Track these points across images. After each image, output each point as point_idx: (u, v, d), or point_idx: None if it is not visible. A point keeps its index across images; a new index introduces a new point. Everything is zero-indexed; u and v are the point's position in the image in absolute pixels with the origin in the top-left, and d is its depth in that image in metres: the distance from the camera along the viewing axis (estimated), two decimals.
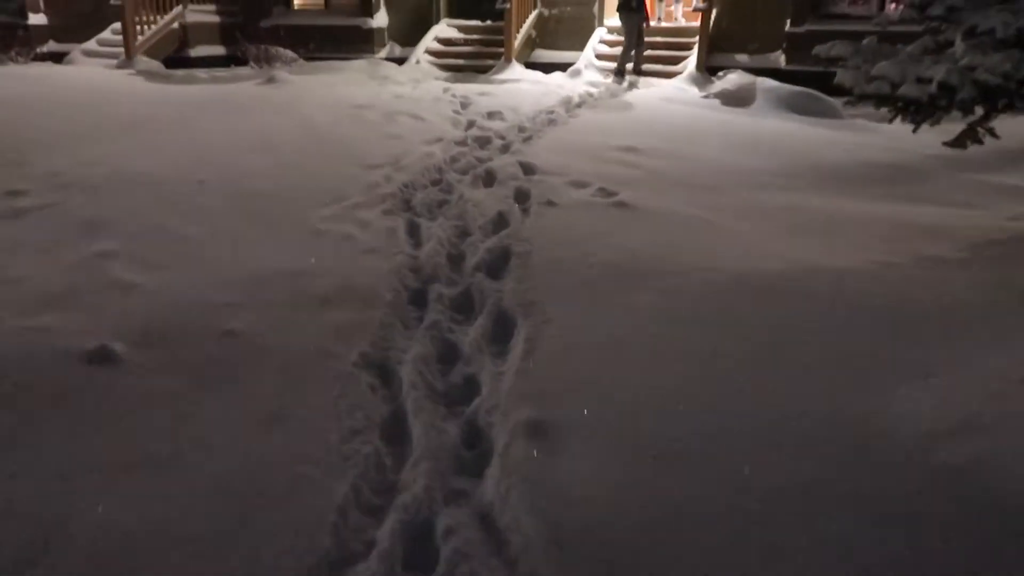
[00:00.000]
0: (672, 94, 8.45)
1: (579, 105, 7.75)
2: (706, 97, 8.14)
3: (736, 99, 7.87)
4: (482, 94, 8.15)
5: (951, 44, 4.01)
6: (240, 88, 8.48)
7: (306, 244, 3.63)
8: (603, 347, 2.60)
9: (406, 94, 8.08)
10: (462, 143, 5.90)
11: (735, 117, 7.26)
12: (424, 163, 5.20)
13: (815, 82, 8.38)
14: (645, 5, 9.30)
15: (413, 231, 3.93)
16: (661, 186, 4.81)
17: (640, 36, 9.29)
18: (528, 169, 5.06)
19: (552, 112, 7.30)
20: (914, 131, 4.41)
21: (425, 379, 2.45)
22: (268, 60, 10.75)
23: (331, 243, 3.67)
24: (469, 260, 3.45)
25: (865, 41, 4.47)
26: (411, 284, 3.21)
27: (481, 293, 3.11)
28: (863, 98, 4.20)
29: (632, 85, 9.13)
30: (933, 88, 3.83)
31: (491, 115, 7.08)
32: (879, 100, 4.21)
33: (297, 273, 3.24)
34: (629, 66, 9.39)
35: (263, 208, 4.21)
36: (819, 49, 4.53)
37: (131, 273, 3.20)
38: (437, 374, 2.53)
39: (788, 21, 9.50)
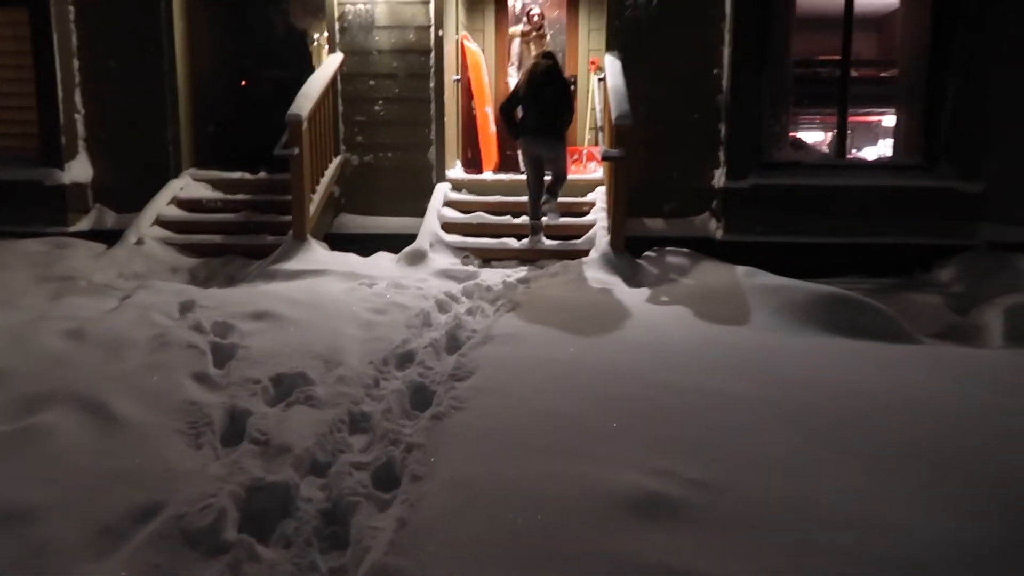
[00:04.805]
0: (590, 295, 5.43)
1: (454, 333, 4.40)
2: (659, 303, 5.18)
3: (707, 304, 4.99)
4: (258, 316, 4.50)
5: None
6: None
7: None
8: None
9: (90, 329, 4.20)
10: (218, 551, 2.25)
11: (745, 350, 4.28)
12: None
13: (762, 258, 5.96)
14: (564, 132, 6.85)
15: None
16: None
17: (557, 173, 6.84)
18: None
19: (416, 362, 3.89)
20: None
21: None
22: None
23: None
24: None
25: None
26: None
27: None
28: None
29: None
30: None
31: (280, 384, 3.50)
32: None
33: None
34: (547, 219, 6.88)
35: None
36: None
37: None
38: None
39: (721, 173, 7.08)
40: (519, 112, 6.77)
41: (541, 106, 6.59)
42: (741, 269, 5.34)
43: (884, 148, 10.13)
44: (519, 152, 8.47)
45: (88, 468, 2.66)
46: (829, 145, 10.00)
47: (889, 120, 9.67)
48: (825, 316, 4.67)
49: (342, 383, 3.55)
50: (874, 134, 10.45)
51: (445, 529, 2.32)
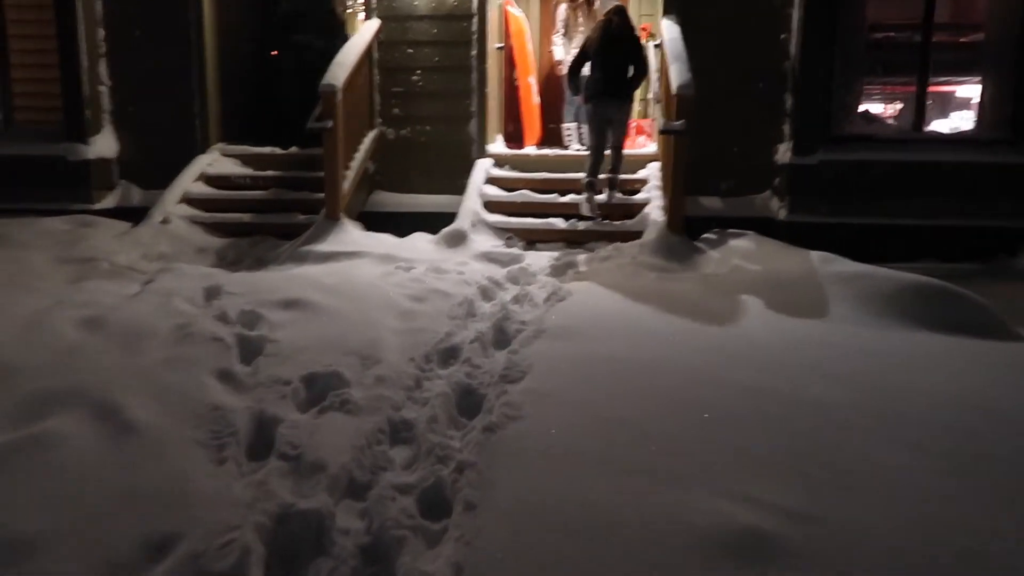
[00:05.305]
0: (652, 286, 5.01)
1: (502, 326, 4.04)
2: (724, 291, 4.75)
3: (779, 293, 4.55)
4: (288, 304, 4.16)
5: None
6: None
7: None
8: None
9: (108, 317, 3.90)
10: None
11: (829, 348, 3.85)
12: None
13: (828, 240, 5.53)
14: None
15: None
16: None
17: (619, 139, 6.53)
18: None
19: (461, 359, 3.54)
20: None
21: None
22: None
23: None
24: None
25: None
26: None
27: None
28: None
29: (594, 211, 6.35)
30: None
31: (313, 386, 3.16)
32: None
33: None
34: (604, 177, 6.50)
35: None
36: None
37: None
38: None
39: (785, 148, 6.58)
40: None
41: (613, 66, 6.19)
42: (815, 254, 4.88)
43: (958, 121, 9.48)
44: (562, 126, 8.09)
45: (97, 487, 2.34)
46: (895, 118, 9.39)
47: (965, 90, 9.04)
48: (914, 308, 4.22)
49: (380, 384, 3.20)
50: (948, 105, 9.79)
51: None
